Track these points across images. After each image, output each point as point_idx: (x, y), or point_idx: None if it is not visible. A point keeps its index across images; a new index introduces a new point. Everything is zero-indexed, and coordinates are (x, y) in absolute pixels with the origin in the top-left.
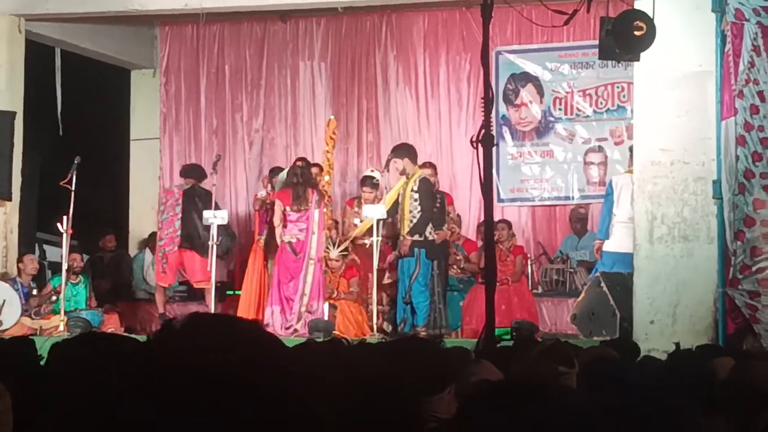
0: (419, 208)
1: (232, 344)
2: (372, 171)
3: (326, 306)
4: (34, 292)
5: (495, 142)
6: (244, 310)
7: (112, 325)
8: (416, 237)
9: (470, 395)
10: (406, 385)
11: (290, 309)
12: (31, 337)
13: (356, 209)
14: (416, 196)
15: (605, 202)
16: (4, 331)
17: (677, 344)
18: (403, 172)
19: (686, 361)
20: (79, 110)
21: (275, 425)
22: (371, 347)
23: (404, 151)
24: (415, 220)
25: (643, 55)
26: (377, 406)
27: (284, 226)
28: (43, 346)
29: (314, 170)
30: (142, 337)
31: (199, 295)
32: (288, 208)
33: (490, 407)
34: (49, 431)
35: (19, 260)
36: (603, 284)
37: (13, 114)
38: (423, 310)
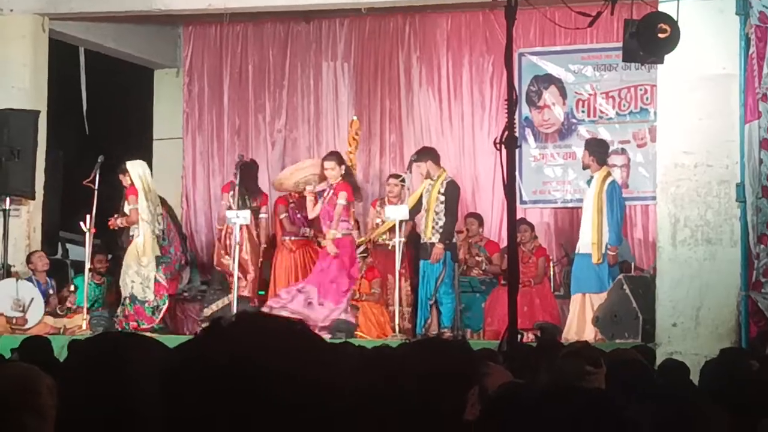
0: (445, 211)
1: (280, 342)
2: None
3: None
4: (51, 291)
5: (518, 144)
6: None
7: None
8: (446, 242)
9: (496, 398)
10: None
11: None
12: (53, 335)
13: (378, 209)
14: (443, 198)
15: (618, 207)
16: (29, 329)
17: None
18: (427, 176)
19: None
20: (102, 109)
21: (319, 420)
22: (396, 349)
23: (425, 154)
24: (441, 223)
25: (666, 57)
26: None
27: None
28: (65, 345)
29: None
30: (167, 338)
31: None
32: (350, 204)
33: (518, 410)
34: (62, 425)
35: (29, 260)
36: (625, 287)
37: (36, 113)
38: (449, 312)
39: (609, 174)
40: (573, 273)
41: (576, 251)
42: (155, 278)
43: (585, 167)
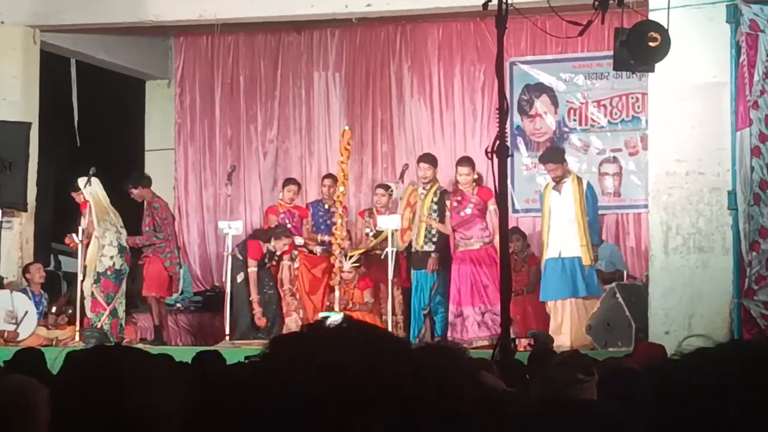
0: (438, 220)
1: (384, 353)
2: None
3: (340, 317)
4: (45, 301)
5: (510, 153)
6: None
7: (128, 336)
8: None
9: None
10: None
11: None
12: (45, 347)
13: (367, 219)
14: (435, 207)
15: (596, 209)
16: (21, 341)
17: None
18: (428, 181)
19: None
20: (94, 121)
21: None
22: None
23: (434, 160)
24: (434, 232)
25: (657, 65)
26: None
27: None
28: (58, 357)
29: (327, 181)
30: (158, 348)
31: (214, 305)
32: None
33: (507, 420)
34: None
35: (26, 270)
36: (618, 295)
37: (28, 125)
38: (442, 321)
39: (578, 177)
40: (550, 278)
41: (557, 256)
42: (92, 294)
43: (561, 179)
